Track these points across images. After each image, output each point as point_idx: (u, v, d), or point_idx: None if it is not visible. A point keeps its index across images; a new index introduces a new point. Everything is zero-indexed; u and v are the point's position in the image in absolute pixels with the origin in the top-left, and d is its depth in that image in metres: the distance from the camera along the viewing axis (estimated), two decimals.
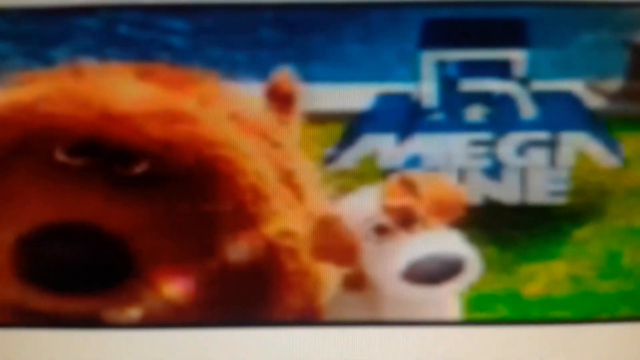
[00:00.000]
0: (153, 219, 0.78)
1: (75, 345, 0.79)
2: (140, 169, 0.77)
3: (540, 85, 0.80)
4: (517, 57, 0.79)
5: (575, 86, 0.80)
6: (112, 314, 0.79)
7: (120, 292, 0.78)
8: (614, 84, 0.80)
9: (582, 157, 0.80)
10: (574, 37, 0.79)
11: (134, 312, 0.79)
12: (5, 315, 0.79)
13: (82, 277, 0.79)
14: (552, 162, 0.80)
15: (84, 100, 0.78)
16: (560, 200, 0.80)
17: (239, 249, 0.78)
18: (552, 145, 0.80)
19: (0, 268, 0.78)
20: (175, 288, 0.78)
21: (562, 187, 0.80)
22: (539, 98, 0.80)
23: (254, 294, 0.79)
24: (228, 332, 0.79)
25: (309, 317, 0.79)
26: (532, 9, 0.79)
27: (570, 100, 0.80)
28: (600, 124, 0.80)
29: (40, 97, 0.77)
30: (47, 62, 0.78)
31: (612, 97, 0.80)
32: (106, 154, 0.77)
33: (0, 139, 0.77)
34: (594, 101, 0.80)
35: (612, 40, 0.79)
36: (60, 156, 0.77)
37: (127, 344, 0.79)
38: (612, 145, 0.80)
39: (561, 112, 0.80)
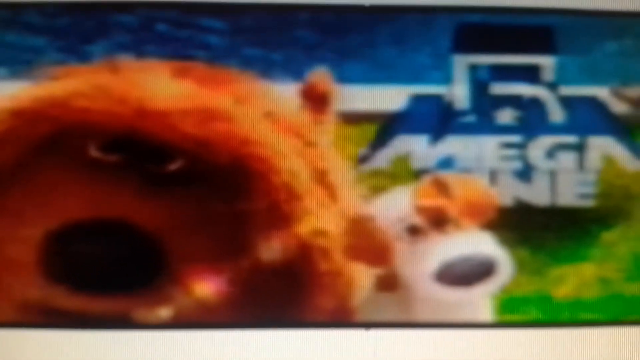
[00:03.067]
0: (186, 217, 0.73)
1: (103, 346, 0.72)
2: (174, 166, 0.73)
3: (567, 90, 0.78)
4: (546, 62, 0.77)
5: (600, 92, 0.78)
6: (142, 314, 0.73)
7: (150, 291, 0.73)
8: (638, 90, 0.79)
9: (608, 161, 0.78)
10: (599, 45, 0.78)
11: (165, 312, 0.73)
12: (31, 315, 0.72)
13: (111, 276, 0.73)
14: (580, 166, 0.77)
15: (119, 96, 0.73)
16: (588, 203, 0.77)
17: (271, 249, 0.74)
18: (580, 148, 0.77)
19: (26, 265, 0.72)
20: (206, 287, 0.73)
21: (590, 190, 0.77)
22: (567, 103, 0.78)
23: (286, 295, 0.74)
24: (259, 333, 0.74)
25: (342, 318, 0.75)
26: (559, 18, 0.77)
27: (596, 105, 0.78)
28: (624, 129, 0.79)
29: (75, 93, 0.73)
30: (84, 57, 0.74)
31: (636, 103, 0.79)
32: (140, 151, 0.73)
33: (32, 133, 0.73)
34: (618, 107, 0.78)
35: (636, 48, 0.78)
36: (93, 152, 0.73)
37: (157, 345, 0.73)
38: (636, 149, 0.78)
39: (588, 117, 0.78)
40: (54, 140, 0.72)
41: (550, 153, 0.77)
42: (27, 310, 0.73)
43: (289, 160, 0.74)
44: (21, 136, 0.72)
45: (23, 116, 0.73)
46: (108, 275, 0.73)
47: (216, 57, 0.74)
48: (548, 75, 0.77)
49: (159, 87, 0.73)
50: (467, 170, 0.76)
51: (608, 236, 0.77)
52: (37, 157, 0.72)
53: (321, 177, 0.75)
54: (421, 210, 0.74)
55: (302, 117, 0.75)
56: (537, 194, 0.76)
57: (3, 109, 0.72)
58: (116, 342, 0.73)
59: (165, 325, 0.73)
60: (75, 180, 0.72)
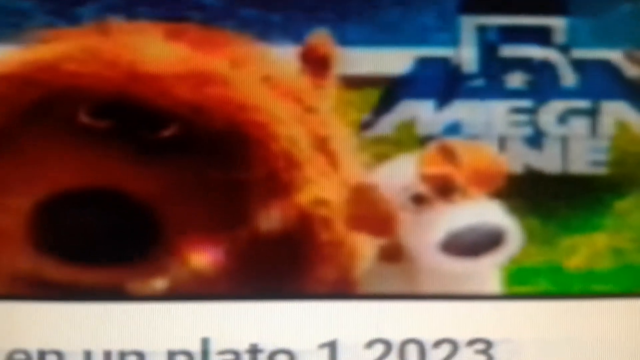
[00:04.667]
0: (181, 186, 0.68)
1: (96, 319, 0.68)
2: (168, 132, 0.68)
3: (579, 53, 0.73)
4: (557, 24, 0.72)
5: (613, 55, 0.73)
6: (136, 286, 0.68)
7: (145, 262, 0.68)
8: None
9: (622, 126, 0.73)
10: (613, 7, 0.72)
11: (160, 284, 0.69)
12: (20, 287, 0.68)
13: (104, 247, 0.68)
14: (593, 132, 0.73)
15: (110, 59, 0.68)
16: (601, 171, 0.73)
17: (270, 218, 0.69)
18: (592, 114, 0.73)
19: (14, 237, 0.68)
20: (203, 258, 0.69)
21: (602, 157, 0.73)
22: (579, 66, 0.73)
23: (285, 266, 0.70)
24: (259, 304, 0.70)
25: (344, 290, 0.71)
26: None
27: (609, 69, 0.73)
28: (639, 94, 0.74)
29: (64, 56, 0.69)
30: (73, 20, 0.68)
31: None
32: (133, 116, 0.68)
33: (19, 99, 0.68)
34: (632, 70, 0.74)
35: None
36: (83, 118, 0.68)
37: (152, 317, 0.69)
38: None
39: (600, 81, 0.73)
40: (42, 105, 0.68)
41: (562, 118, 0.72)
42: (16, 282, 0.68)
43: (288, 126, 0.69)
44: (8, 102, 0.68)
45: (10, 81, 0.68)
46: (100, 245, 0.68)
47: (211, 18, 0.69)
48: (560, 37, 0.72)
49: (152, 50, 0.68)
50: (474, 137, 0.71)
51: (621, 205, 0.72)
52: (25, 123, 0.68)
53: (322, 145, 0.70)
54: (427, 178, 0.70)
55: (302, 81, 0.70)
56: (548, 161, 0.71)
57: None
58: (109, 315, 0.68)
59: (161, 297, 0.68)
60: (64, 147, 0.68)
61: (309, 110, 0.70)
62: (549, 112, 0.72)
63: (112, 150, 0.67)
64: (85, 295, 0.68)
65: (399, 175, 0.70)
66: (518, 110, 0.71)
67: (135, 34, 0.68)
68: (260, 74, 0.69)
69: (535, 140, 0.71)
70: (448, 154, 0.70)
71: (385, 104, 0.70)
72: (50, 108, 0.68)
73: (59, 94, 0.67)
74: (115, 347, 0.68)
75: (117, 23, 0.69)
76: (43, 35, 0.69)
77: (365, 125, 0.70)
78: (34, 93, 0.68)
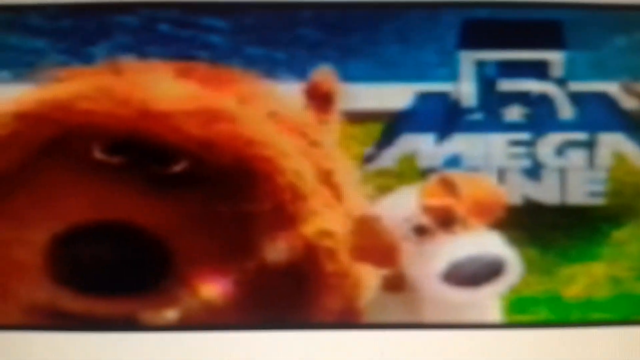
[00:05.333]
0: (191, 219, 0.71)
1: (110, 348, 0.70)
2: (178, 167, 0.71)
3: (576, 86, 0.74)
4: (554, 58, 0.74)
5: (610, 87, 0.74)
6: (148, 316, 0.71)
7: (156, 293, 0.71)
8: None
9: (619, 158, 0.74)
10: (609, 40, 0.74)
11: (171, 314, 0.71)
12: (38, 318, 0.70)
13: (117, 278, 0.70)
14: (590, 163, 0.74)
15: (122, 98, 0.71)
16: (599, 201, 0.74)
17: (277, 250, 0.71)
18: (589, 145, 0.74)
19: (33, 269, 0.70)
20: (212, 289, 0.71)
21: (600, 187, 0.74)
22: (576, 99, 0.74)
23: (292, 296, 0.72)
24: (266, 334, 0.71)
25: (348, 320, 0.72)
26: (568, 12, 0.73)
27: (606, 101, 0.74)
28: (635, 125, 0.75)
29: (78, 95, 0.71)
30: (86, 59, 0.71)
31: None
32: (144, 152, 0.70)
33: (36, 136, 0.70)
34: (629, 102, 0.75)
35: None
36: (97, 154, 0.71)
37: (164, 347, 0.71)
38: None
39: (597, 113, 0.74)
40: (57, 142, 0.70)
41: (560, 150, 0.73)
42: (34, 312, 0.70)
43: (293, 160, 0.71)
44: (25, 139, 0.70)
45: (26, 119, 0.70)
46: (114, 277, 0.70)
47: (219, 56, 0.71)
48: (557, 70, 0.73)
49: (162, 88, 0.71)
50: (474, 169, 0.73)
51: (618, 234, 0.73)
52: (41, 160, 0.70)
53: (326, 177, 0.72)
54: (428, 209, 0.71)
55: (307, 116, 0.72)
56: (547, 193, 0.73)
57: (6, 113, 0.70)
58: (123, 344, 0.70)
59: (172, 327, 0.71)
60: (79, 182, 0.70)
61: (314, 144, 0.72)
62: (547, 145, 0.73)
63: (124, 185, 0.70)
64: (100, 325, 0.70)
65: (401, 207, 0.71)
66: (516, 143, 0.73)
67: (146, 72, 0.71)
68: (267, 110, 0.71)
69: (534, 172, 0.73)
70: (448, 186, 0.72)
71: (387, 137, 0.72)
72: (65, 145, 0.70)
73: (74, 132, 0.70)
74: None
75: (128, 62, 0.71)
76: (57, 74, 0.71)
77: (368, 159, 0.72)
78: (49, 131, 0.70)
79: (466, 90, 0.72)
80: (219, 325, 0.71)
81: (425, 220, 0.71)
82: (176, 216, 0.69)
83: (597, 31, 0.73)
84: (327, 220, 0.71)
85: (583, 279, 0.73)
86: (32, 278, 0.70)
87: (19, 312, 0.70)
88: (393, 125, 0.72)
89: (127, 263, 0.69)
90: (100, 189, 0.69)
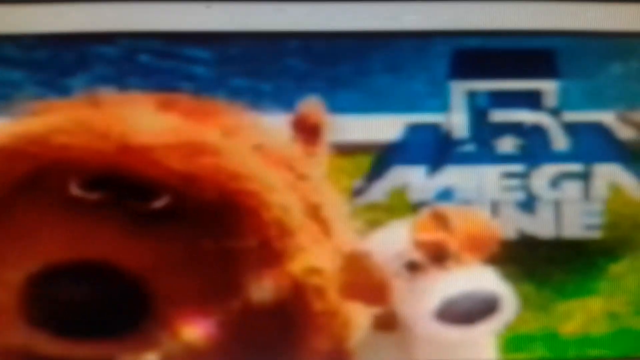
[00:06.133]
0: (172, 257, 0.67)
1: None
2: (160, 203, 0.67)
3: (571, 116, 0.72)
4: (548, 87, 0.71)
5: (605, 117, 0.72)
6: None
7: (136, 335, 0.67)
8: None
9: (615, 189, 0.72)
10: (604, 68, 0.72)
11: (152, 358, 0.68)
12: None
13: (95, 320, 0.67)
14: (586, 195, 0.72)
15: (101, 131, 0.67)
16: (595, 235, 0.72)
17: (263, 289, 0.68)
18: (585, 177, 0.72)
19: (6, 310, 0.66)
20: (195, 331, 0.67)
21: (596, 220, 0.72)
22: (570, 129, 0.72)
23: (278, 337, 0.68)
24: None
25: None
26: (561, 40, 0.72)
27: (601, 131, 0.72)
28: (631, 156, 0.73)
29: (55, 128, 0.68)
30: (63, 91, 0.68)
31: None
32: (124, 188, 0.67)
33: (10, 172, 0.67)
34: (624, 132, 0.73)
35: None
36: (74, 190, 0.67)
37: None
38: None
39: (593, 144, 0.72)
40: (32, 178, 0.66)
41: (555, 182, 0.71)
42: (7, 356, 0.67)
43: (280, 194, 0.68)
44: None
45: (0, 154, 0.67)
46: (92, 319, 0.67)
47: (202, 88, 0.68)
48: (550, 100, 0.71)
49: (143, 121, 0.67)
50: (467, 202, 0.70)
51: (616, 268, 0.71)
52: (16, 196, 0.66)
53: (314, 212, 0.69)
54: (420, 245, 0.69)
55: (294, 149, 0.69)
56: (542, 226, 0.70)
57: None
58: None
59: None
60: (56, 220, 0.66)
61: (301, 177, 0.69)
62: (541, 176, 0.71)
63: (103, 222, 0.66)
64: None
65: (392, 242, 0.69)
66: (510, 175, 0.70)
67: (126, 105, 0.68)
68: (252, 142, 0.68)
69: (528, 204, 0.70)
70: (441, 220, 0.69)
71: (377, 170, 0.69)
72: (40, 180, 0.66)
73: (50, 167, 0.66)
74: None
75: (107, 94, 0.68)
76: (33, 107, 0.68)
77: (357, 192, 0.69)
78: (24, 166, 0.66)
79: (457, 121, 0.70)
80: None
81: (417, 255, 0.68)
82: (157, 254, 0.66)
83: (592, 59, 0.71)
84: (315, 256, 0.68)
85: (580, 314, 0.70)
86: (6, 320, 0.66)
87: None
88: (383, 157, 0.69)
89: (105, 304, 0.66)
90: (78, 226, 0.66)
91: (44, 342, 0.66)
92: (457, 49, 0.70)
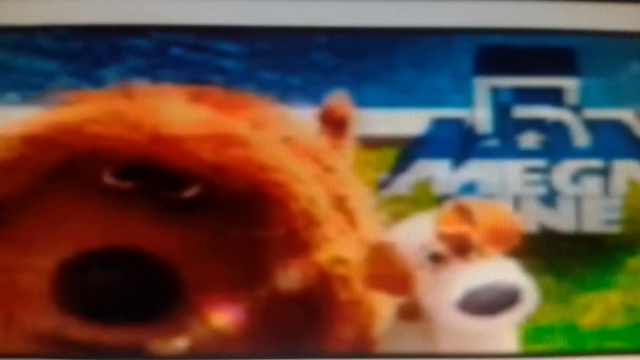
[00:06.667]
0: (202, 245, 0.68)
1: None
2: (190, 193, 0.69)
3: (591, 113, 0.73)
4: (569, 85, 0.73)
5: (624, 115, 0.74)
6: (157, 345, 0.68)
7: (166, 321, 0.68)
8: None
9: (633, 185, 0.73)
10: (624, 66, 0.73)
11: (181, 343, 0.68)
12: (44, 346, 0.66)
13: (126, 306, 0.68)
14: (606, 191, 0.73)
15: (134, 122, 0.69)
16: (614, 229, 0.73)
17: (289, 277, 0.69)
18: (605, 173, 0.73)
19: (39, 296, 0.68)
20: (223, 317, 0.69)
21: (615, 215, 0.73)
22: (591, 126, 0.73)
23: (304, 325, 0.69)
24: None
25: (362, 349, 0.70)
26: (582, 39, 0.73)
27: (620, 128, 0.74)
28: None
29: (88, 118, 0.69)
30: (97, 82, 0.69)
31: None
32: (156, 177, 0.68)
33: (44, 160, 0.68)
34: None
35: None
36: (107, 179, 0.69)
37: None
38: None
39: (612, 141, 0.73)
40: (66, 167, 0.68)
41: (575, 178, 0.72)
42: (39, 341, 0.68)
43: (307, 186, 0.69)
44: (33, 163, 0.68)
45: (35, 143, 0.68)
46: (122, 305, 0.68)
47: (232, 81, 0.70)
48: (572, 97, 0.72)
49: (174, 113, 0.69)
50: (490, 196, 0.71)
51: (634, 262, 0.72)
52: (50, 184, 0.68)
53: (340, 204, 0.70)
54: (443, 237, 0.70)
55: (321, 142, 0.70)
56: (562, 220, 0.71)
57: (14, 136, 0.68)
58: None
59: (182, 356, 0.68)
60: (88, 207, 0.68)
61: (328, 170, 0.70)
62: (563, 172, 0.72)
63: (135, 211, 0.68)
64: (108, 355, 0.67)
65: (416, 234, 0.70)
66: (532, 170, 0.71)
67: (158, 96, 0.69)
68: (280, 135, 0.69)
69: (550, 199, 0.71)
70: (464, 213, 0.70)
71: (402, 163, 0.71)
72: (74, 169, 0.68)
73: (83, 156, 0.68)
74: None
75: (140, 86, 0.69)
76: (67, 97, 0.69)
77: (382, 185, 0.70)
78: (58, 155, 0.68)
79: (481, 116, 0.71)
80: (230, 354, 0.68)
81: (440, 247, 0.69)
82: (187, 242, 0.67)
83: (612, 58, 0.72)
84: (340, 247, 0.69)
85: (599, 307, 0.71)
86: (38, 305, 0.67)
87: (24, 340, 0.67)
88: (408, 151, 0.70)
89: (136, 290, 0.67)
90: (110, 214, 0.67)
91: (75, 327, 0.67)
92: (481, 46, 0.71)
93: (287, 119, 0.69)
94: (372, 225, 0.69)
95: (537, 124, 0.71)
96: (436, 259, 0.69)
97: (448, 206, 0.70)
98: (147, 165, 0.67)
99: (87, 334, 0.67)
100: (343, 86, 0.70)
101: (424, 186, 0.70)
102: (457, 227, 0.69)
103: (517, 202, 0.70)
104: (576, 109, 0.71)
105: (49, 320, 0.67)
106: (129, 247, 0.67)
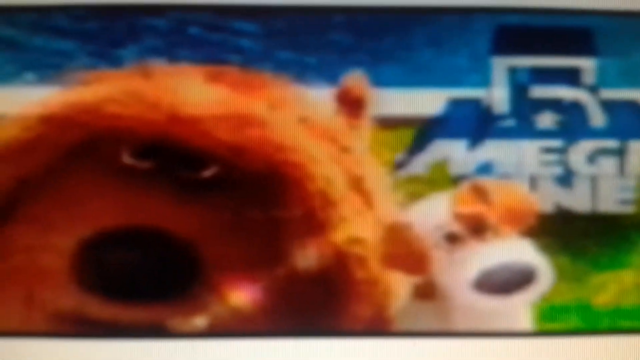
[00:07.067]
0: (220, 225, 0.69)
1: (137, 356, 0.68)
2: (208, 173, 0.69)
3: (607, 93, 0.73)
4: (586, 65, 0.73)
5: None
6: (177, 323, 0.69)
7: (185, 300, 0.69)
8: None
9: None
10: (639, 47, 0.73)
11: (200, 321, 0.69)
12: (64, 325, 0.67)
13: (145, 285, 0.68)
14: (621, 171, 0.73)
15: (152, 101, 0.69)
16: (629, 209, 0.73)
17: (307, 256, 0.70)
18: (620, 153, 0.73)
19: (59, 275, 0.68)
20: (242, 296, 0.69)
21: (630, 195, 0.73)
22: (607, 106, 0.73)
23: (322, 303, 0.70)
24: (295, 342, 0.70)
25: (378, 328, 0.71)
26: (600, 19, 0.72)
27: (636, 109, 0.73)
28: None
29: (106, 98, 0.69)
30: (114, 62, 0.69)
31: None
32: (174, 157, 0.68)
33: (63, 140, 0.68)
34: None
35: None
36: (126, 159, 0.69)
37: (192, 354, 0.69)
38: None
39: (628, 121, 0.73)
40: (85, 146, 0.68)
41: (591, 158, 0.72)
42: (60, 320, 0.68)
43: (324, 166, 0.69)
44: (51, 143, 0.68)
45: (53, 122, 0.68)
46: (142, 283, 0.68)
47: (249, 61, 0.69)
48: (588, 77, 0.72)
49: (192, 93, 0.69)
50: (506, 176, 0.71)
51: None
52: (68, 164, 0.68)
53: (357, 184, 0.70)
54: (460, 217, 0.70)
55: (338, 122, 0.70)
56: (578, 200, 0.72)
57: (32, 115, 0.68)
58: (151, 352, 0.68)
59: (201, 334, 0.69)
60: (107, 187, 0.68)
61: (345, 150, 0.70)
62: (579, 152, 0.72)
63: (153, 190, 0.68)
64: (127, 333, 0.68)
65: (433, 214, 0.70)
66: (548, 150, 0.71)
67: (175, 76, 0.69)
68: (297, 115, 0.69)
69: (566, 179, 0.72)
70: (480, 193, 0.70)
71: (419, 143, 0.71)
72: (93, 149, 0.68)
73: (102, 135, 0.68)
74: None
75: (158, 65, 0.69)
76: (85, 77, 0.69)
77: (399, 165, 0.70)
78: (76, 134, 0.68)
79: (498, 96, 0.71)
80: (248, 332, 0.69)
81: (456, 227, 0.69)
82: (205, 222, 0.68)
83: (628, 38, 0.72)
84: (357, 227, 0.69)
85: (613, 286, 0.72)
86: (58, 284, 0.68)
87: (44, 319, 0.68)
88: (424, 131, 0.70)
89: (155, 269, 0.68)
90: (129, 193, 0.67)
91: (95, 306, 0.68)
92: (498, 26, 0.71)
93: (304, 99, 0.69)
94: (388, 205, 0.69)
95: (554, 104, 0.71)
96: (452, 238, 0.69)
97: (464, 186, 0.70)
98: (165, 145, 0.67)
99: (107, 313, 0.68)
100: (360, 66, 0.69)
101: (440, 166, 0.70)
102: (473, 207, 0.70)
103: (533, 182, 0.70)
104: (593, 89, 0.71)
105: (69, 299, 0.68)
106: (148, 226, 0.67)
